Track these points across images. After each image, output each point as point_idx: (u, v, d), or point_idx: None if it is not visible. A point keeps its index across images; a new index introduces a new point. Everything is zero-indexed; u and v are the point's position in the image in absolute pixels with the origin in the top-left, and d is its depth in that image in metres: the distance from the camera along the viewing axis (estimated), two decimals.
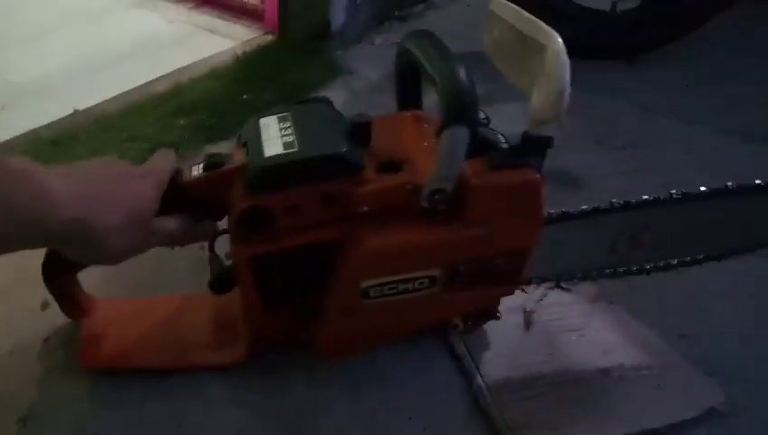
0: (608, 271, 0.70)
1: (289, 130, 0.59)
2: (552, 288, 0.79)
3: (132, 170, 0.57)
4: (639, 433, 0.62)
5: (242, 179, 0.57)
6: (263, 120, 0.61)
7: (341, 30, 1.42)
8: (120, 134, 1.05)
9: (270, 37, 1.44)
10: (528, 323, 0.74)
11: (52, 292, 0.63)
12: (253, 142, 0.59)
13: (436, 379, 0.68)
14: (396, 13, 1.55)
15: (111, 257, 0.55)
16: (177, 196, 0.58)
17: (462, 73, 0.56)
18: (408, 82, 0.71)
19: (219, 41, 1.43)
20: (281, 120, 0.61)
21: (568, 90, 0.54)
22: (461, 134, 0.54)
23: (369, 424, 0.63)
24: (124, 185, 0.54)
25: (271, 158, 0.56)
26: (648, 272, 0.71)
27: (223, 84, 1.23)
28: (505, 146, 0.61)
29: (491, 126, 0.64)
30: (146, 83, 1.22)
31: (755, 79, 1.34)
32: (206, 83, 1.23)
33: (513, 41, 0.61)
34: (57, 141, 1.02)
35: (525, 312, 0.75)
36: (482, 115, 0.63)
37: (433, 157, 0.56)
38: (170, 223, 0.58)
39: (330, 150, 0.56)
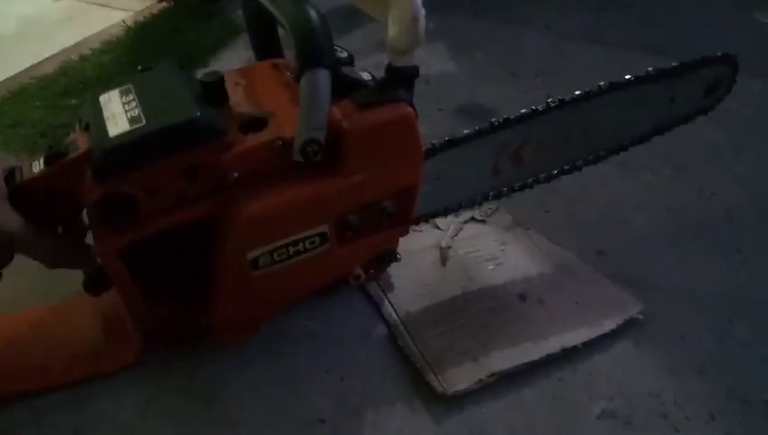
0: (492, 193, 0.69)
1: (133, 104, 0.53)
2: (466, 222, 0.78)
3: None
4: (561, 352, 0.63)
5: (89, 167, 0.51)
6: (102, 97, 0.54)
7: None
8: (4, 121, 0.96)
9: (164, 5, 1.36)
10: (444, 259, 0.73)
11: None
12: (95, 123, 0.52)
13: (353, 329, 0.66)
14: None
15: None
16: (17, 200, 0.51)
17: (312, 14, 0.52)
18: (260, 30, 0.65)
19: (111, 13, 1.34)
20: (122, 93, 0.54)
21: (422, 13, 0.51)
22: (321, 77, 0.51)
23: (283, 382, 0.60)
24: None
25: (117, 137, 0.50)
26: (531, 186, 0.71)
27: (115, 57, 1.15)
28: (372, 83, 0.57)
29: (355, 64, 0.60)
30: (31, 66, 1.13)
31: None
32: (97, 58, 1.15)
33: None
34: None
35: (441, 248, 0.74)
36: (344, 54, 0.59)
37: (298, 107, 0.52)
38: (12, 219, 0.51)
39: (181, 117, 0.51)
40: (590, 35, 1.26)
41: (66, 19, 1.35)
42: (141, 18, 1.30)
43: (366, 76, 0.58)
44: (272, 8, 0.55)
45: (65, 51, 1.19)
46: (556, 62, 1.16)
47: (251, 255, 0.55)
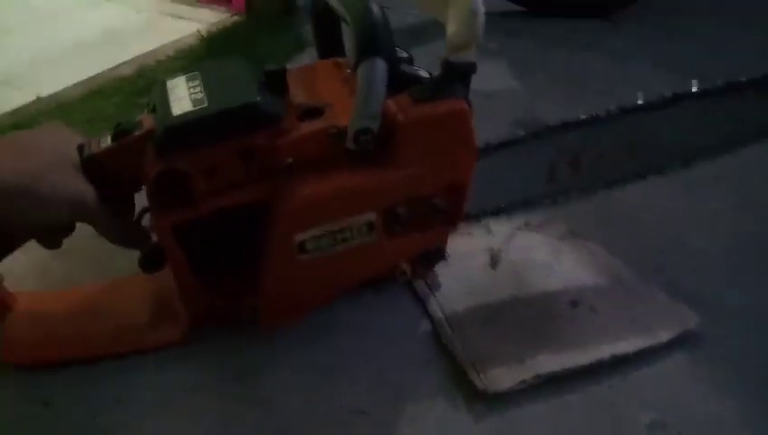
0: (546, 198, 0.68)
1: (198, 88, 0.55)
2: (519, 228, 0.77)
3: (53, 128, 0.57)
4: (611, 359, 0.61)
5: (152, 144, 0.53)
6: (170, 82, 0.57)
7: (307, 4, 1.38)
8: (81, 116, 1.04)
9: (237, 18, 1.44)
10: (495, 262, 0.72)
11: None
12: (161, 105, 0.55)
13: (397, 323, 0.66)
14: None
15: (26, 203, 0.50)
16: (86, 172, 0.54)
17: (374, 7, 0.54)
18: (325, 30, 0.68)
19: (186, 25, 1.42)
20: (189, 79, 0.57)
21: (481, 9, 0.52)
22: (377, 66, 0.52)
23: (324, 370, 0.60)
24: (39, 141, 0.54)
25: (179, 116, 0.52)
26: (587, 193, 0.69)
27: (187, 63, 1.22)
28: (429, 80, 0.58)
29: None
30: (110, 69, 1.21)
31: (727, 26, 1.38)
32: (171, 63, 1.22)
33: None
34: (18, 125, 1.02)
35: (492, 251, 0.73)
36: (404, 54, 0.60)
37: (354, 99, 0.53)
38: (87, 188, 0.53)
39: (241, 101, 0.53)
40: (657, 61, 1.24)
41: (145, 28, 1.44)
42: (214, 29, 1.37)
43: (424, 74, 0.59)
44: (335, 3, 0.57)
45: (142, 56, 1.26)
46: (620, 86, 1.14)
47: (299, 238, 0.56)
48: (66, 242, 0.58)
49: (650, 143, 0.69)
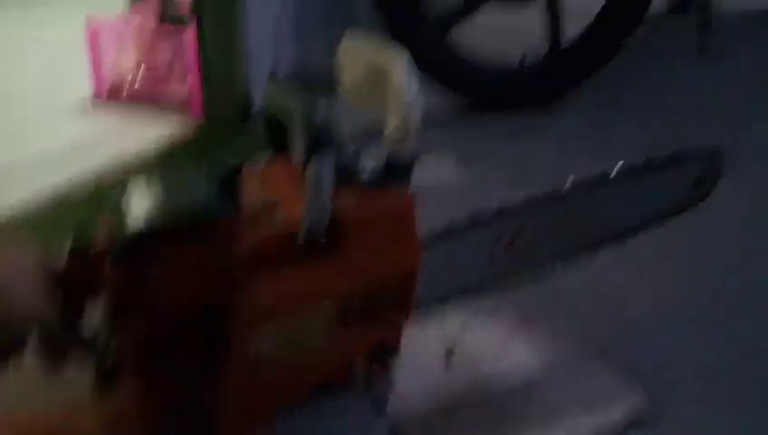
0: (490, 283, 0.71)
1: (154, 193, 0.57)
2: (470, 320, 0.79)
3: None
4: None
5: (109, 254, 0.54)
6: (125, 190, 0.59)
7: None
8: (44, 227, 1.05)
9: (195, 124, 1.48)
10: (449, 357, 0.74)
11: None
12: (118, 212, 0.57)
13: (354, 423, 0.65)
14: (321, 91, 1.54)
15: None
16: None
17: (318, 106, 0.58)
18: (276, 130, 0.71)
19: (148, 132, 1.45)
20: (145, 185, 0.59)
21: (418, 102, 0.56)
22: (324, 162, 0.55)
23: None
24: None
25: (135, 222, 0.54)
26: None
27: (148, 170, 1.23)
28: (374, 172, 0.62)
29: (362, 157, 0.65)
30: (73, 178, 1.22)
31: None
32: (132, 171, 1.23)
33: (364, 72, 0.63)
34: None
35: (446, 344, 0.75)
36: (352, 147, 0.64)
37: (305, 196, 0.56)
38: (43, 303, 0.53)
39: (196, 204, 0.55)
40: (595, 148, 1.32)
41: (107, 137, 1.46)
42: (174, 136, 1.41)
43: (371, 165, 0.63)
44: (283, 105, 0.61)
45: (103, 165, 1.27)
46: (562, 172, 1.21)
47: (255, 336, 0.56)
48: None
49: (583, 223, 0.74)
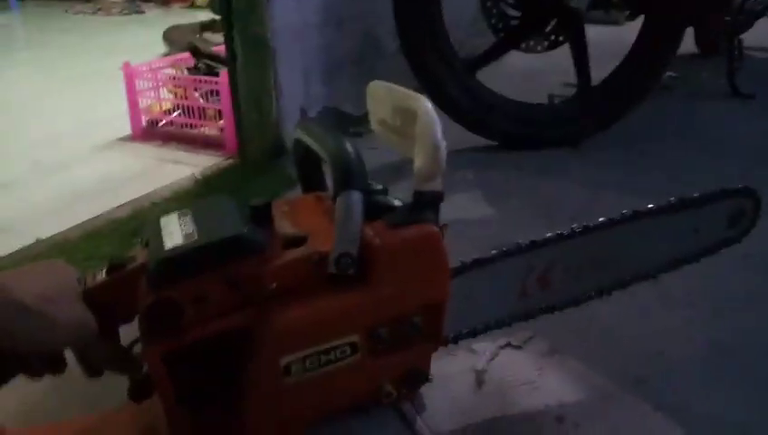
0: (520, 315, 0.71)
1: (189, 223, 0.60)
2: (502, 347, 0.79)
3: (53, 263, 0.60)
4: None
5: (144, 277, 0.57)
6: (163, 219, 0.62)
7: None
8: (79, 255, 1.08)
9: (230, 161, 1.55)
10: (480, 382, 0.74)
11: None
12: (154, 240, 0.59)
13: None
14: (351, 129, 1.56)
15: (32, 324, 0.52)
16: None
17: (347, 146, 0.61)
18: (306, 168, 0.74)
19: (182, 169, 1.51)
20: (181, 215, 0.62)
21: (443, 143, 0.58)
22: (353, 196, 0.57)
23: None
24: (43, 271, 0.57)
25: (170, 250, 0.56)
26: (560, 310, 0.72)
27: (182, 204, 1.26)
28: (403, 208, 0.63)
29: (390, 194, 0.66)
30: (108, 211, 1.28)
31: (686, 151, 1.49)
32: (166, 205, 1.28)
33: (391, 115, 0.65)
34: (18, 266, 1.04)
35: (476, 371, 0.75)
36: (379, 187, 0.66)
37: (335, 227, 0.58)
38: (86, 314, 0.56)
39: (228, 233, 0.57)
40: (623, 187, 1.32)
41: (142, 174, 1.52)
42: (209, 172, 1.47)
43: (397, 203, 0.64)
44: (315, 144, 0.64)
45: (138, 199, 1.33)
46: (586, 209, 1.21)
47: (284, 361, 0.58)
48: (55, 380, 0.60)
49: (616, 260, 0.74)
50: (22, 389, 0.60)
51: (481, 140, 1.57)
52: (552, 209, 1.22)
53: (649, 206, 0.74)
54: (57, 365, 0.58)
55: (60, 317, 0.54)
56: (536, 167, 1.45)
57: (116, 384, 0.61)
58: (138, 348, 0.59)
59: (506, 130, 1.54)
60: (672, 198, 0.75)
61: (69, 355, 0.59)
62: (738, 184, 0.77)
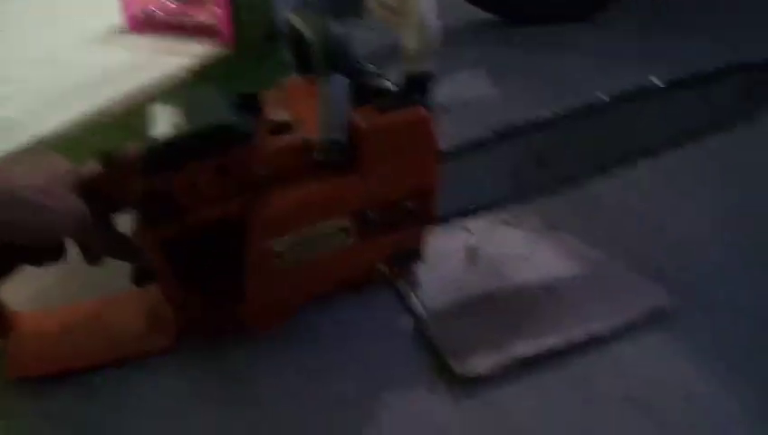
0: (514, 195, 0.72)
1: (178, 112, 0.60)
2: (497, 225, 0.80)
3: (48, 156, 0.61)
4: (586, 339, 0.64)
5: (138, 166, 0.57)
6: (154, 109, 0.62)
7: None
8: (77, 151, 1.07)
9: (224, 49, 1.51)
10: (473, 258, 0.76)
11: None
12: (145, 130, 0.59)
13: (380, 321, 0.69)
14: (349, 11, 1.52)
15: (35, 217, 0.54)
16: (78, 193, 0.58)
17: (332, 28, 0.59)
18: (300, 53, 0.72)
19: (176, 60, 1.48)
20: (171, 105, 0.62)
21: (433, 20, 0.56)
22: (337, 81, 0.56)
23: (312, 368, 0.64)
24: (40, 165, 0.58)
25: (161, 138, 0.57)
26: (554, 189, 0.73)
27: (175, 95, 1.26)
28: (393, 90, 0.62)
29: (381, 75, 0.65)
30: (102, 104, 1.26)
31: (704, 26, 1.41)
32: (161, 97, 1.25)
33: None
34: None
35: (470, 248, 0.77)
36: (370, 68, 0.64)
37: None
38: (84, 205, 0.58)
39: (218, 122, 0.57)
40: (638, 61, 1.27)
41: (138, 66, 1.49)
42: (204, 62, 1.44)
43: (390, 86, 0.63)
44: (303, 28, 0.62)
45: (132, 91, 1.31)
46: (598, 85, 1.18)
47: (276, 246, 0.60)
48: (65, 269, 0.63)
49: (617, 137, 0.73)
50: (32, 281, 0.62)
51: (487, 16, 1.51)
52: (559, 86, 1.19)
53: (658, 79, 0.72)
54: (58, 254, 0.61)
55: (58, 208, 0.55)
56: (547, 42, 1.40)
57: (122, 274, 0.63)
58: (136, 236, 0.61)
59: (515, 4, 1.48)
60: (683, 73, 0.72)
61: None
62: (756, 57, 0.74)
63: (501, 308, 0.69)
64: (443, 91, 0.62)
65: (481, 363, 0.62)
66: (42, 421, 0.61)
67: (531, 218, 0.81)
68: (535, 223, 0.80)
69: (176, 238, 0.59)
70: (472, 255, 0.76)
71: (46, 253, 0.61)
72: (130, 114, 1.21)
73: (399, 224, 0.65)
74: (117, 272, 0.64)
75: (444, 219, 0.71)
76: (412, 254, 0.69)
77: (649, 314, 0.67)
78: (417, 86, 0.60)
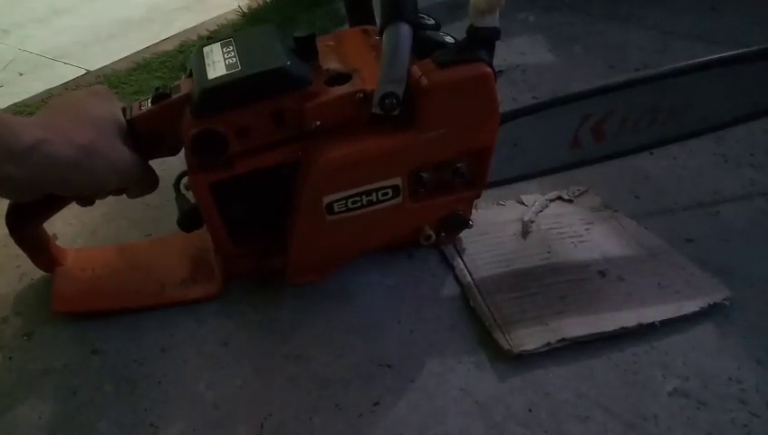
0: (571, 164, 0.69)
1: (232, 53, 0.58)
2: (552, 200, 0.78)
3: (99, 93, 0.58)
4: (637, 327, 0.61)
5: (189, 107, 0.56)
6: (206, 48, 0.60)
7: None
8: (128, 89, 1.10)
9: None
10: (526, 232, 0.73)
11: (18, 243, 0.63)
12: (197, 70, 0.58)
13: (427, 286, 0.68)
14: None
15: (83, 177, 0.53)
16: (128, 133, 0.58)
17: None
18: (353, 1, 0.69)
19: (229, 1, 1.48)
20: (224, 45, 0.60)
21: None
22: (402, 30, 0.53)
23: (356, 328, 0.63)
24: (89, 107, 0.55)
25: (214, 79, 0.55)
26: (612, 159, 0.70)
27: (226, 37, 1.25)
28: (455, 45, 0.59)
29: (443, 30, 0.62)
30: (154, 44, 1.27)
31: None
32: (213, 38, 1.24)
33: None
34: None
35: (523, 221, 0.74)
36: (430, 21, 0.62)
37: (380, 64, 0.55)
38: (132, 157, 0.57)
39: (272, 65, 0.55)
40: (697, 35, 1.21)
41: (186, 7, 1.49)
42: (255, 5, 1.41)
43: (449, 40, 0.60)
44: None
45: (185, 32, 1.31)
46: (658, 59, 1.13)
47: (327, 199, 0.58)
48: (113, 207, 0.62)
49: (677, 110, 0.69)
50: (83, 216, 0.62)
51: None
52: (618, 57, 1.14)
53: (722, 54, 0.68)
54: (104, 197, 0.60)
55: (103, 168, 0.54)
56: (604, 11, 1.34)
57: (170, 215, 0.63)
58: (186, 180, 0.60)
59: None
60: (746, 50, 0.68)
61: None
62: None
63: (551, 286, 0.66)
64: (499, 53, 0.59)
65: (527, 340, 0.60)
66: (86, 357, 0.61)
67: (588, 196, 0.78)
68: (593, 201, 0.77)
69: (226, 185, 0.58)
70: (525, 229, 0.73)
71: (93, 199, 0.60)
72: (183, 53, 1.20)
73: (451, 187, 0.62)
74: (163, 213, 0.63)
75: (494, 185, 0.68)
76: (460, 221, 0.67)
77: (704, 308, 0.63)
78: (481, 42, 0.57)
